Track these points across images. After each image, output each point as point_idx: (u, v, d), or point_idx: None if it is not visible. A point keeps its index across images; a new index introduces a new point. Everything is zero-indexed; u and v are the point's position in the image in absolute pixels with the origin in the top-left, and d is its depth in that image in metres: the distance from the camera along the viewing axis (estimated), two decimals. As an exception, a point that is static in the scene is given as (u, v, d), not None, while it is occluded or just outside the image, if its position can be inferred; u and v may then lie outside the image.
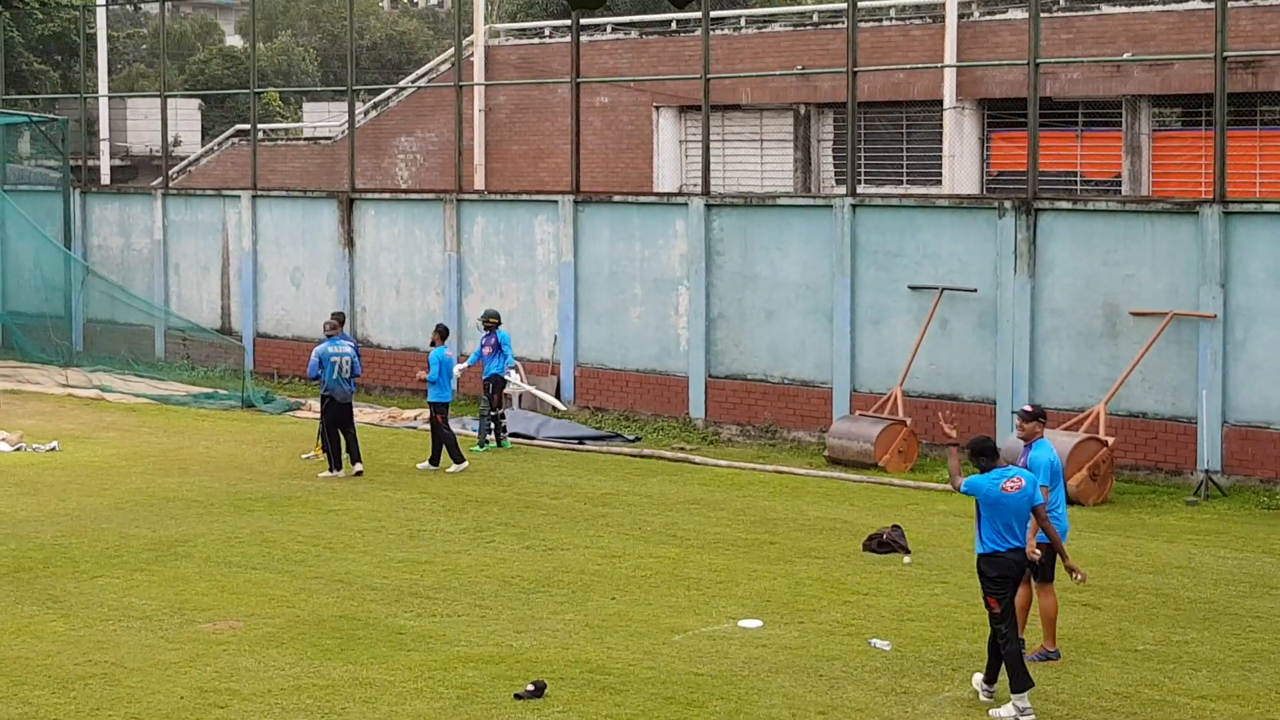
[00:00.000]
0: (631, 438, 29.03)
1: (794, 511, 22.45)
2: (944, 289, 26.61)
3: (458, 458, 25.28)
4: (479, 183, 40.53)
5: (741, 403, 29.11)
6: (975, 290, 26.38)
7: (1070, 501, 22.98)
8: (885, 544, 19.79)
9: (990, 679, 13.91)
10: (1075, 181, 34.40)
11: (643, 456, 27.22)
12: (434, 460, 25.39)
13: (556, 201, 31.70)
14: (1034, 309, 25.81)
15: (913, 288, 27.07)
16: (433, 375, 25.51)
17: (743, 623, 16.39)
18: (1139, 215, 25.15)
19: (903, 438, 25.95)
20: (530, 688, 14.01)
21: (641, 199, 31.53)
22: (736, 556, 19.52)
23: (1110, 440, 23.64)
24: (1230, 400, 24.08)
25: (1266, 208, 24.35)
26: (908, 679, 14.55)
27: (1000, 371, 26.11)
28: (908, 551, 19.65)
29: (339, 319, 25.86)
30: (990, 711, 13.53)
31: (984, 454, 14.15)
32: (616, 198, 31.48)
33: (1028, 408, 15.87)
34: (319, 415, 25.46)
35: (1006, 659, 13.63)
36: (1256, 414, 23.91)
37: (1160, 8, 32.88)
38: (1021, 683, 13.48)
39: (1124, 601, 17.41)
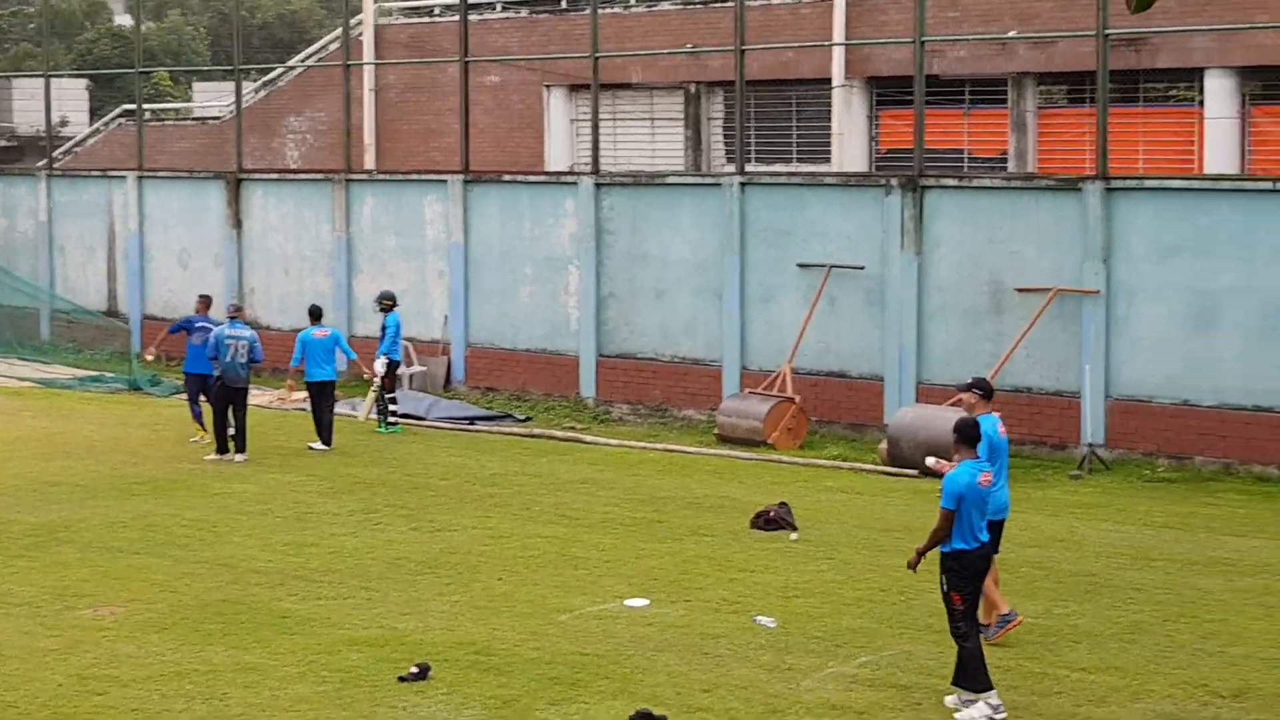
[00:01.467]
0: (522, 418, 28.98)
1: (683, 490, 22.50)
2: (832, 267, 26.73)
3: (327, 440, 25.31)
4: (369, 163, 40.28)
5: (632, 381, 29.13)
6: (863, 268, 26.51)
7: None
8: (772, 521, 19.86)
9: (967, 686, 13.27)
10: (962, 159, 34.62)
11: (533, 436, 27.19)
12: (325, 440, 25.37)
13: (446, 181, 31.56)
14: (921, 286, 25.97)
15: (801, 265, 27.17)
16: (295, 359, 25.81)
17: (629, 601, 16.40)
18: (1024, 192, 25.35)
19: (791, 415, 26.05)
20: (414, 670, 13.96)
21: (531, 178, 31.47)
22: (624, 535, 19.53)
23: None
24: (1113, 375, 24.34)
25: (1148, 184, 24.61)
26: (792, 655, 14.61)
27: (888, 348, 26.26)
28: (795, 528, 19.73)
29: (205, 301, 26.24)
30: (956, 716, 13.03)
31: (973, 440, 13.49)
32: (506, 177, 31.39)
33: (969, 380, 15.42)
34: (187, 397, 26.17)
35: (968, 658, 13.09)
36: (1139, 388, 24.18)
37: (1045, -14, 33.11)
38: (984, 683, 13.01)
39: (1007, 575, 17.50)
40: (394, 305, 27.85)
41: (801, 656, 14.58)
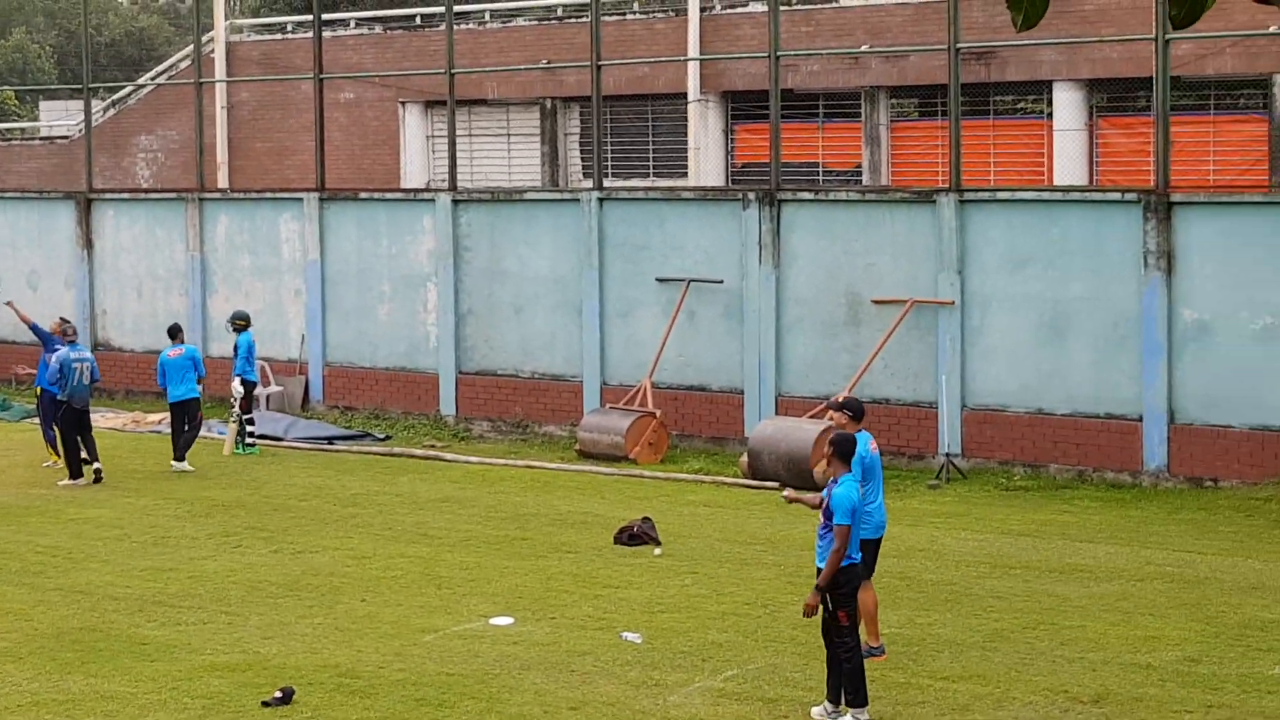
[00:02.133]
0: (382, 436, 28.82)
1: (545, 506, 22.46)
2: (691, 281, 26.84)
3: (180, 457, 25.13)
4: (222, 181, 39.89)
5: (492, 398, 29.06)
6: (722, 281, 26.64)
7: (817, 488, 23.36)
8: (636, 536, 19.88)
9: (835, 699, 13.27)
10: (817, 172, 34.90)
11: (393, 455, 27.04)
12: (178, 455, 25.16)
13: (301, 199, 31.33)
14: (779, 299, 26.15)
15: (660, 280, 27.26)
16: (162, 380, 25.61)
17: (494, 620, 16.33)
18: (879, 205, 25.61)
19: (652, 430, 26.12)
20: (278, 695, 13.80)
21: (388, 196, 31.32)
22: (488, 553, 19.46)
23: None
24: (969, 385, 24.65)
25: (1000, 196, 24.96)
26: (659, 671, 14.62)
27: (747, 361, 26.41)
28: (658, 543, 19.76)
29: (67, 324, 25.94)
30: None
31: (848, 455, 13.45)
32: (363, 195, 31.21)
33: (839, 400, 15.36)
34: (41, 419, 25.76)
35: (851, 673, 13.05)
36: (993, 398, 24.49)
37: (896, 1, 33.49)
38: (863, 698, 13.02)
39: (869, 586, 17.67)
40: (247, 325, 27.55)
41: (668, 672, 14.59)
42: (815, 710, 13.37)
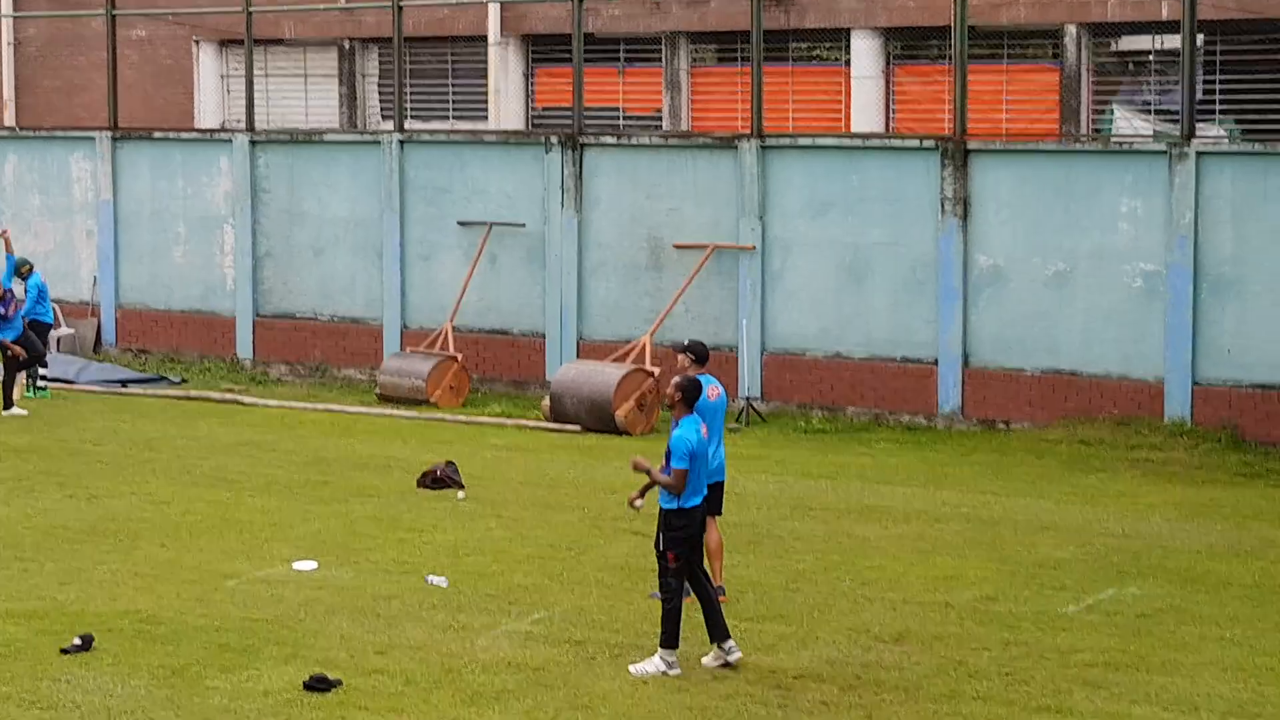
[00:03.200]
0: (177, 380, 28.38)
1: (346, 450, 22.31)
2: (493, 224, 26.74)
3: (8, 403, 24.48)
4: (9, 119, 38.86)
5: (290, 341, 28.76)
6: (524, 225, 26.59)
7: (618, 432, 23.50)
8: (439, 480, 19.82)
9: (720, 637, 13.23)
10: (618, 117, 34.89)
11: (190, 399, 26.64)
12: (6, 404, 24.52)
13: (94, 138, 30.67)
14: (581, 243, 26.17)
15: (462, 223, 27.13)
16: None
17: (297, 565, 16.20)
18: (681, 150, 25.72)
19: (454, 374, 26.03)
20: (77, 641, 13.57)
21: (184, 136, 30.79)
22: (289, 498, 19.29)
23: (656, 371, 24.16)
24: (769, 329, 24.89)
25: (801, 142, 25.20)
26: (465, 614, 14.61)
27: (549, 305, 26.41)
28: (461, 487, 19.72)
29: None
30: (632, 667, 13.07)
31: (694, 400, 13.46)
32: (157, 134, 30.66)
33: (685, 342, 15.18)
34: None
35: (668, 614, 13.05)
36: (793, 341, 24.77)
37: (697, -54, 33.52)
38: (673, 639, 13.06)
39: (673, 528, 17.80)
40: (31, 269, 26.71)
41: (475, 615, 14.59)
42: (705, 659, 13.28)
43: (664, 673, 13.05)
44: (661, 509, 13.34)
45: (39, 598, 15.01)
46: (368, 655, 13.46)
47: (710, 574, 14.63)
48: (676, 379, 13.68)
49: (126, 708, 12.24)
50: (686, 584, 13.36)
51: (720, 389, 14.84)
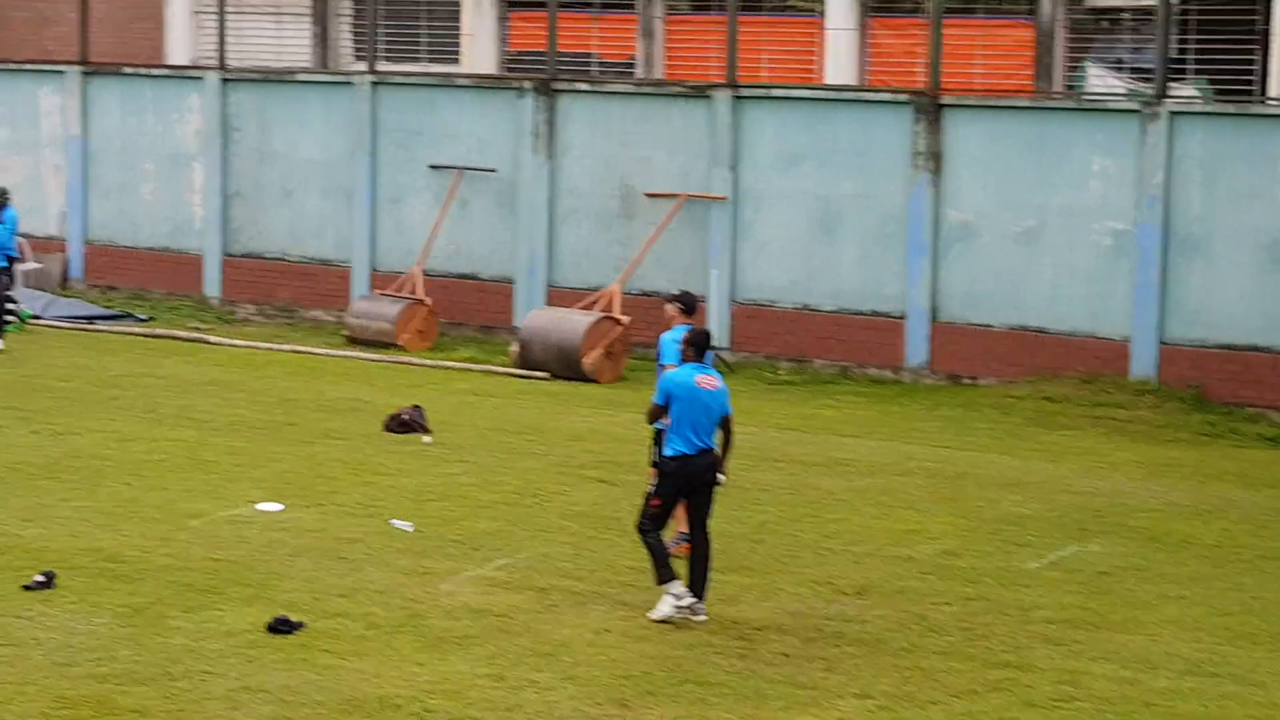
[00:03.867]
0: (144, 317, 28.28)
1: (313, 392, 22.27)
2: (464, 169, 26.66)
3: None
4: (-22, 51, 38.56)
5: (259, 282, 28.68)
6: (495, 170, 26.52)
7: (586, 379, 23.51)
8: (406, 424, 19.80)
9: (696, 594, 13.21)
10: (590, 63, 34.76)
11: (156, 337, 26.56)
12: None
13: (64, 72, 30.48)
14: (552, 190, 26.12)
15: (433, 167, 27.05)
16: None
17: (262, 506, 16.18)
18: (655, 98, 25.66)
19: (422, 317, 26.00)
20: (40, 578, 13.55)
21: (154, 72, 30.60)
22: (255, 439, 19.25)
23: (625, 319, 24.17)
24: (738, 279, 24.90)
25: (774, 93, 25.16)
26: (429, 559, 14.63)
27: (519, 251, 26.37)
28: (428, 431, 19.71)
29: None
30: (650, 614, 13.10)
31: (704, 349, 13.49)
32: (128, 70, 30.48)
33: (675, 292, 15.20)
34: None
35: (651, 550, 13.13)
36: (762, 292, 24.79)
37: (675, -107, 33.36)
38: (668, 572, 13.09)
39: (637, 478, 17.78)
40: (7, 200, 26.59)
41: (439, 560, 14.61)
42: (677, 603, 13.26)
43: (676, 608, 13.07)
44: (661, 455, 13.40)
45: (1, 534, 14.97)
46: (331, 598, 13.46)
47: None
48: (692, 331, 13.61)
49: (88, 645, 12.23)
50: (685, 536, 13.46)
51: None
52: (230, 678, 11.65)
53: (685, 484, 13.30)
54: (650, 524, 13.31)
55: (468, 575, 14.21)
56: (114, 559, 14.32)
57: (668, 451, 13.30)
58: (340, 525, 15.61)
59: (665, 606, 13.14)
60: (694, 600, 13.22)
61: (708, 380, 13.42)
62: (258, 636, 12.50)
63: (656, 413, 13.44)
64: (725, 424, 13.43)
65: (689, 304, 14.99)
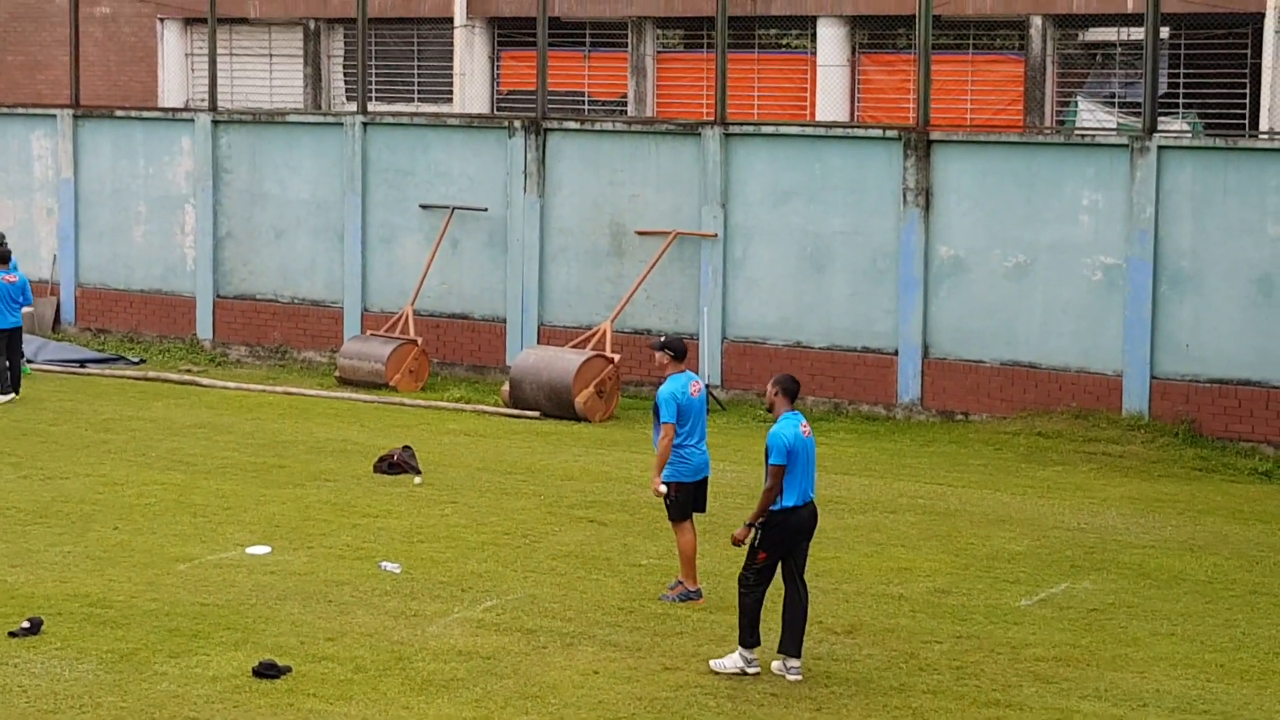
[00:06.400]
0: (136, 360, 28.25)
1: (304, 433, 22.22)
2: (455, 208, 26.66)
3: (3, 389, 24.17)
4: (-29, 94, 38.62)
5: (251, 323, 28.64)
6: (486, 209, 26.51)
7: (578, 418, 23.46)
8: (396, 465, 19.76)
9: (788, 651, 12.96)
10: (583, 102, 34.84)
11: (148, 379, 26.52)
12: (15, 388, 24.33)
13: (55, 115, 30.49)
14: (543, 228, 26.11)
15: (424, 206, 27.04)
16: None
17: (250, 549, 16.15)
18: (644, 136, 25.67)
19: (414, 357, 25.96)
20: (25, 625, 13.51)
21: (145, 114, 30.60)
22: (244, 481, 19.21)
23: (616, 357, 24.14)
24: (729, 317, 24.87)
25: (764, 130, 25.16)
26: (417, 601, 14.58)
27: (510, 290, 26.35)
28: (418, 472, 19.66)
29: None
30: (712, 662, 13.02)
31: (793, 394, 13.36)
32: (119, 112, 30.47)
33: (661, 339, 15.07)
34: None
35: (745, 609, 12.94)
36: (753, 330, 24.75)
37: (665, -69, 33.48)
38: (751, 637, 12.93)
39: (628, 517, 17.82)
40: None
41: (427, 602, 14.56)
42: (775, 663, 13.08)
43: (743, 670, 12.89)
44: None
45: (-12, 580, 14.93)
46: (318, 642, 13.42)
47: (683, 575, 14.64)
48: (774, 379, 13.43)
49: (73, 692, 12.18)
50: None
51: (701, 385, 14.83)
52: (215, 723, 11.60)
53: (791, 534, 13.09)
54: (755, 579, 13.04)
55: (456, 617, 14.15)
56: (101, 604, 14.27)
57: (779, 506, 12.99)
58: (328, 568, 15.56)
59: (732, 662, 12.94)
60: (793, 661, 12.96)
61: (806, 428, 13.25)
62: (243, 681, 12.46)
63: (781, 475, 13.01)
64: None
65: (679, 350, 14.92)
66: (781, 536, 13.07)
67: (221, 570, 15.42)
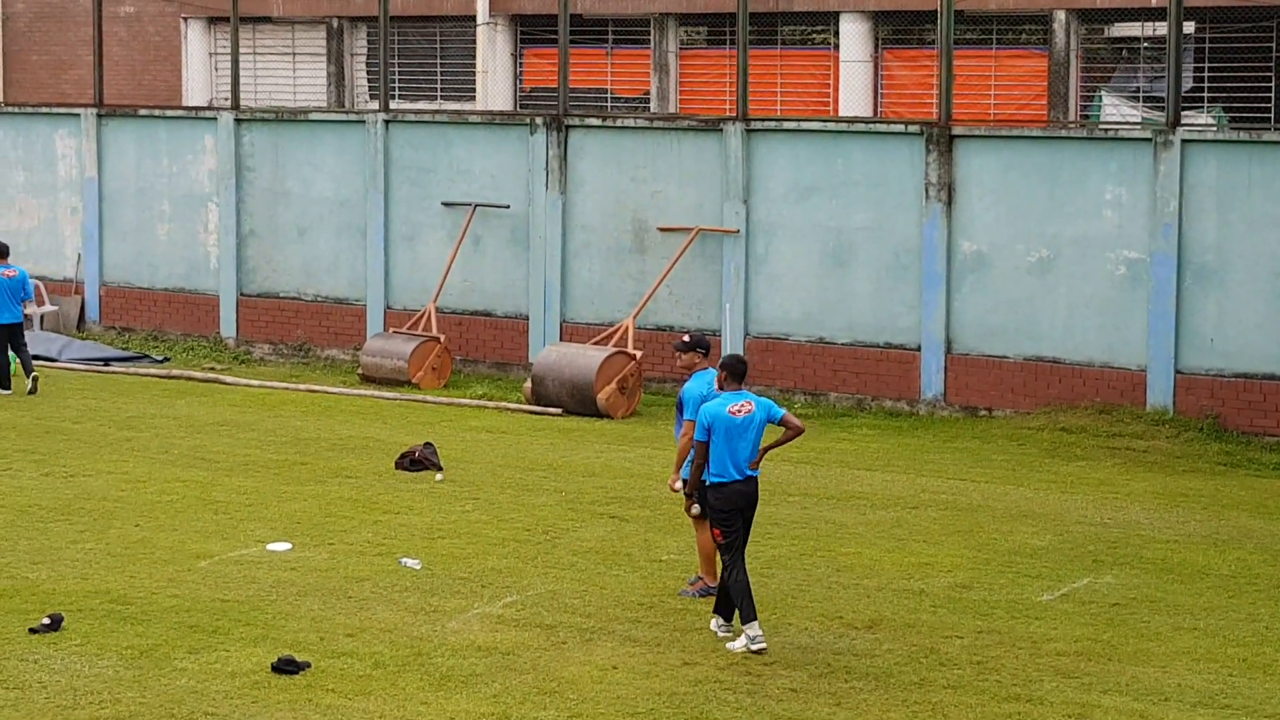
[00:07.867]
0: (160, 358, 28.31)
1: (326, 431, 22.24)
2: (477, 205, 26.66)
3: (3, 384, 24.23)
4: (-4, 94, 38.77)
5: (274, 321, 28.68)
6: (508, 207, 26.51)
7: (600, 415, 23.44)
8: (417, 462, 19.76)
9: (725, 615, 13.55)
10: (605, 99, 34.83)
11: (171, 378, 26.56)
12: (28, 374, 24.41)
13: (79, 115, 30.58)
14: (565, 225, 26.10)
15: (446, 204, 27.05)
16: None
17: (271, 546, 16.15)
18: (666, 132, 25.63)
19: (436, 354, 25.97)
20: (46, 621, 13.52)
21: (169, 113, 30.68)
22: (266, 478, 19.22)
23: (639, 354, 24.11)
24: (752, 313, 24.83)
25: (786, 126, 25.10)
26: (437, 597, 14.57)
27: (533, 287, 26.34)
28: (440, 469, 19.66)
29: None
30: (727, 645, 13.27)
31: (740, 375, 13.65)
32: (143, 111, 30.55)
33: (685, 337, 14.86)
34: None
35: (731, 589, 13.28)
36: (776, 326, 24.71)
37: (687, -72, 33.44)
38: (749, 612, 13.18)
39: (649, 513, 17.79)
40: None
41: (447, 598, 14.54)
42: (713, 621, 13.72)
43: (748, 648, 13.13)
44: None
45: (10, 577, 14.95)
46: (337, 637, 13.41)
47: (704, 571, 14.62)
48: (727, 357, 13.89)
49: (93, 688, 12.19)
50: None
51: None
52: (234, 719, 11.59)
53: (735, 510, 13.57)
54: (729, 558, 13.45)
55: (476, 613, 14.13)
56: (121, 601, 14.28)
57: (709, 479, 13.56)
58: (349, 564, 15.56)
59: (740, 643, 13.28)
60: (720, 620, 13.62)
61: (742, 408, 13.55)
62: (263, 677, 12.45)
63: (703, 450, 13.54)
64: (785, 421, 13.75)
65: (706, 346, 14.85)
66: (722, 511, 13.50)
67: (242, 567, 15.43)
